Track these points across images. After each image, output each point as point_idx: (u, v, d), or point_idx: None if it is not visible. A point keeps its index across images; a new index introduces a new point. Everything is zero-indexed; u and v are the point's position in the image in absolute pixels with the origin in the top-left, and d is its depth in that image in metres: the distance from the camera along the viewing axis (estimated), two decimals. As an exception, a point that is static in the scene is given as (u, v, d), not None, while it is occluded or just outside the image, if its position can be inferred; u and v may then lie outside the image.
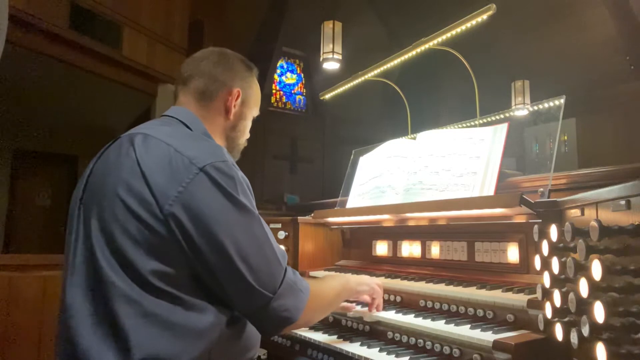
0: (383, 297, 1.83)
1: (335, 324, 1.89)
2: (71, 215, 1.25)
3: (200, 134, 1.33)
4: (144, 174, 1.12)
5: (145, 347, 1.04)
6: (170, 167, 1.12)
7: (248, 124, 1.51)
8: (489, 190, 1.70)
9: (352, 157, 2.55)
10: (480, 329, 1.38)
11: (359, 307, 1.78)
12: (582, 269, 1.00)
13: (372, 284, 1.68)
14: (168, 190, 1.09)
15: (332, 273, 2.22)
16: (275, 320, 1.20)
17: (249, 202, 1.18)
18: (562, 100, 1.77)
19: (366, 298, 1.70)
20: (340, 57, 4.80)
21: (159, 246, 1.09)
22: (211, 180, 1.12)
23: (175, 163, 1.12)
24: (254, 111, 1.53)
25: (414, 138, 2.12)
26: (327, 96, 5.51)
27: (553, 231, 1.19)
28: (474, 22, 3.53)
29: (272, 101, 9.55)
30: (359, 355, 1.53)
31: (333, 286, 1.50)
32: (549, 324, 1.23)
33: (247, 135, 1.53)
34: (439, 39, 3.84)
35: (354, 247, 2.45)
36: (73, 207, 1.25)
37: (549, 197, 1.51)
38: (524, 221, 1.54)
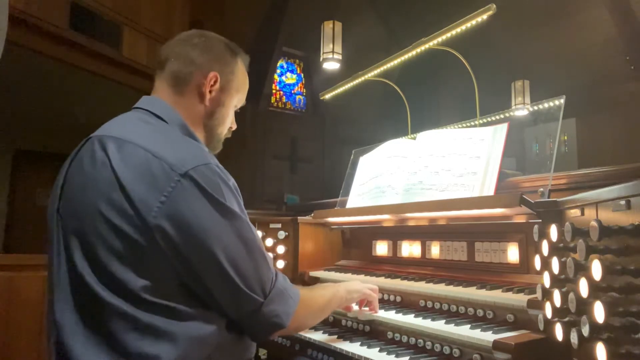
0: (383, 297, 1.84)
1: (336, 324, 1.89)
2: (50, 226, 1.19)
3: (176, 126, 1.24)
4: (123, 186, 1.05)
5: (144, 355, 1.02)
6: (150, 175, 1.05)
7: (228, 112, 1.39)
8: (489, 190, 1.70)
9: (352, 157, 2.54)
10: (480, 329, 1.38)
11: (356, 307, 1.78)
12: (582, 269, 1.00)
13: (363, 290, 1.65)
14: (149, 200, 1.04)
15: (332, 273, 2.22)
16: (266, 325, 1.19)
17: (236, 205, 1.14)
18: (562, 100, 1.77)
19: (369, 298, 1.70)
20: (340, 57, 4.80)
21: (145, 260, 1.05)
22: (195, 186, 1.06)
23: (155, 170, 1.06)
24: (235, 99, 1.40)
25: (414, 138, 2.12)
26: (327, 96, 5.50)
27: (553, 231, 1.19)
28: (473, 22, 3.53)
29: (272, 101, 9.55)
30: (359, 355, 1.53)
31: (323, 294, 1.48)
32: (549, 324, 1.23)
33: (229, 125, 1.42)
34: (439, 39, 3.84)
35: (354, 247, 2.44)
36: (51, 218, 1.18)
37: (549, 197, 1.51)
38: (524, 221, 1.53)
